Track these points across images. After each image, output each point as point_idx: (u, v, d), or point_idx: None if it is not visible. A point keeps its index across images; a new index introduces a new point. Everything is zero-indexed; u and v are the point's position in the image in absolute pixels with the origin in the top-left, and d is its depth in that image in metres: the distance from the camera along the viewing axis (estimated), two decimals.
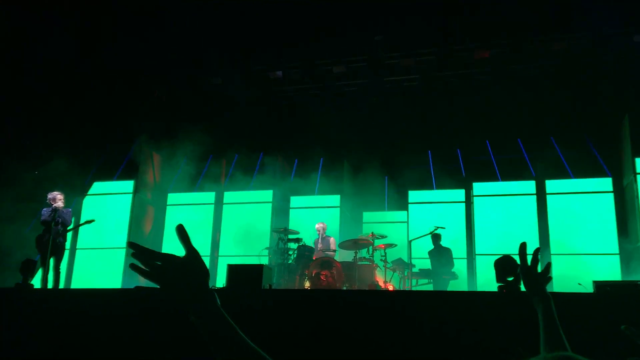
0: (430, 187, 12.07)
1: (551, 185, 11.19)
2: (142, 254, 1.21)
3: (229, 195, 12.90)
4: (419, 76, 12.32)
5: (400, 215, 12.13)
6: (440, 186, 11.96)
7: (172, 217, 12.91)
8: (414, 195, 11.94)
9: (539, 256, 1.95)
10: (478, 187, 11.55)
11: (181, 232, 1.26)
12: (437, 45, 11.95)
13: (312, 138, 12.43)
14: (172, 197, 13.04)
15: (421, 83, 12.38)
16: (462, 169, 12.11)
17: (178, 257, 1.24)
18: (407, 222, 11.82)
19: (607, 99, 11.06)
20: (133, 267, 1.20)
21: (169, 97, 13.71)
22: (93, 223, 8.87)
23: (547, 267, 1.91)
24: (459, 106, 12.17)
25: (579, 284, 7.62)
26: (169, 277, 1.20)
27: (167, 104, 13.66)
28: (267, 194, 12.48)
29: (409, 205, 11.93)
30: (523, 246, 1.88)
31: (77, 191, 11.94)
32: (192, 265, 1.23)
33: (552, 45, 11.64)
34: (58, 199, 8.61)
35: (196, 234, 12.75)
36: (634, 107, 10.56)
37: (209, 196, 12.92)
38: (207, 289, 1.22)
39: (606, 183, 10.90)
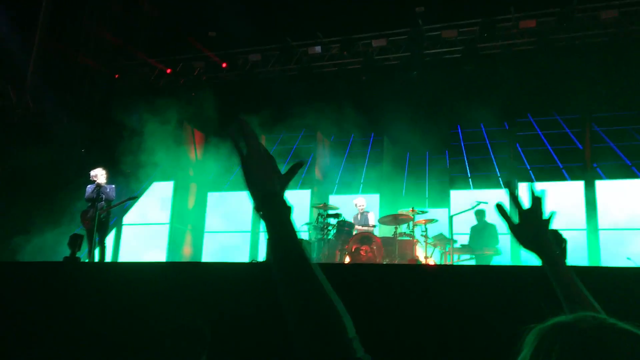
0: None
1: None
2: (238, 134, 1.30)
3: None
4: (462, 47, 11.98)
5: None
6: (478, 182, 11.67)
7: (215, 195, 13.14)
8: (455, 194, 11.64)
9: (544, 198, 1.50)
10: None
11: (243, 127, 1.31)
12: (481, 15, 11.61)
13: (352, 116, 12.15)
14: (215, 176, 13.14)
15: (464, 55, 12.01)
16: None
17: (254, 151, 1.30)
18: (449, 197, 11.68)
19: None
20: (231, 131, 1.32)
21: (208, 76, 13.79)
22: (136, 200, 9.03)
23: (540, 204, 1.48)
24: (502, 80, 11.79)
25: (628, 258, 7.39)
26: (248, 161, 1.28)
27: (206, 83, 13.73)
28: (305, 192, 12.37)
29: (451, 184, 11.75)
30: (512, 189, 1.50)
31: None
32: (259, 154, 1.30)
33: (600, 14, 11.14)
34: (100, 175, 8.82)
35: (237, 211, 12.93)
36: None
37: None
38: (273, 173, 1.28)
39: None
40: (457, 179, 11.88)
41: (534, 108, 11.91)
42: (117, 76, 13.98)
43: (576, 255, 9.70)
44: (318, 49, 12.79)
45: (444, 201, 11.54)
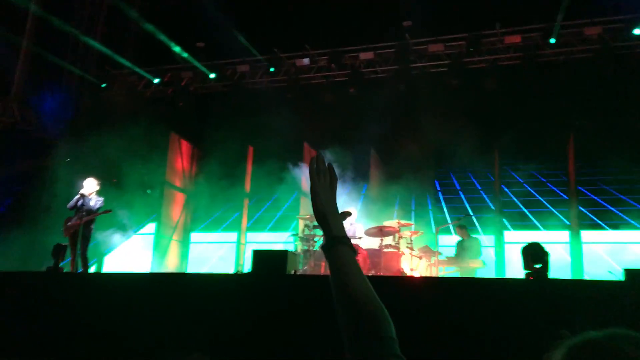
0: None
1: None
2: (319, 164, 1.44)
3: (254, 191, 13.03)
4: (449, 62, 12.09)
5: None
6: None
7: (200, 206, 13.08)
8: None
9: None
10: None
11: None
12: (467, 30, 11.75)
13: (340, 129, 12.12)
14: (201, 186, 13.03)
15: (450, 69, 12.11)
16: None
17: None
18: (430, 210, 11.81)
19: None
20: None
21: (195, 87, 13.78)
22: (110, 213, 8.92)
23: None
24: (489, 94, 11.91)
25: (610, 272, 7.47)
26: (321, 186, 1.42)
27: (193, 93, 13.73)
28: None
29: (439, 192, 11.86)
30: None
31: None
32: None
33: (584, 30, 11.32)
34: (87, 185, 8.69)
35: (224, 222, 12.92)
36: None
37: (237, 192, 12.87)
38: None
39: None
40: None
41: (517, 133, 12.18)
42: (103, 85, 13.93)
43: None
44: (306, 60, 12.83)
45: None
